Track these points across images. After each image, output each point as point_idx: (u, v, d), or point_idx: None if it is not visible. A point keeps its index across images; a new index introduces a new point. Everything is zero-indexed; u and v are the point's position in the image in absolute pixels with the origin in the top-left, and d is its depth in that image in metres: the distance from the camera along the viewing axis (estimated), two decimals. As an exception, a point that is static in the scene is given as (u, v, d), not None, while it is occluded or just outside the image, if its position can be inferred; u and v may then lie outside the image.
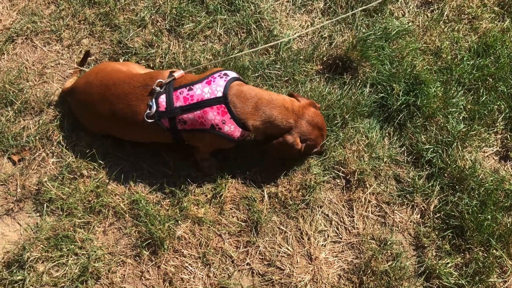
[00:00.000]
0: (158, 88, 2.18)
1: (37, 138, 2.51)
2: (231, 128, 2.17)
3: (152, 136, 2.31)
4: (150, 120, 2.17)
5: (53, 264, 2.25)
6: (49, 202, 2.38)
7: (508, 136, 2.69)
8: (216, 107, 2.13)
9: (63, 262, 2.26)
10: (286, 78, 2.74)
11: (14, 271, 2.21)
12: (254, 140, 2.55)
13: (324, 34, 2.90)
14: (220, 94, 2.14)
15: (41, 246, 2.27)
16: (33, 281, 2.21)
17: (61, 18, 2.82)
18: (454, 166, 2.52)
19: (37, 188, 2.41)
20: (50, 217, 2.36)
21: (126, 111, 2.20)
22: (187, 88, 2.18)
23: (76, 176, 2.43)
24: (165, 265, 2.30)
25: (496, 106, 2.69)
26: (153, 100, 2.17)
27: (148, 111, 2.17)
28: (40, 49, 2.75)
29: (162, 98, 2.17)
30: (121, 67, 2.37)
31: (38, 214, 2.37)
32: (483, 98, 2.67)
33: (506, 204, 2.45)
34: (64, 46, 2.77)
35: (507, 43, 2.81)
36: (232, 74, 2.24)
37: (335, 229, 2.46)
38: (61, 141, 2.50)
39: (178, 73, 2.24)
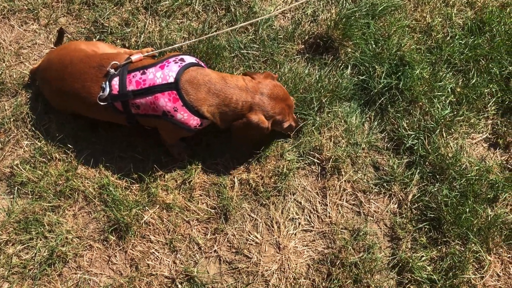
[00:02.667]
0: (112, 70, 2.12)
1: (12, 120, 2.50)
2: (184, 116, 2.08)
3: (109, 117, 2.27)
4: (102, 103, 2.12)
5: (23, 247, 2.28)
6: (21, 185, 2.39)
7: (499, 122, 2.51)
8: (167, 93, 2.05)
9: (32, 245, 2.29)
10: (265, 59, 2.62)
11: (-16, 253, 2.26)
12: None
13: (308, 10, 2.74)
14: (171, 79, 2.05)
15: (11, 228, 2.30)
16: (2, 263, 2.25)
17: (38, -4, 2.77)
18: (436, 154, 2.38)
19: (10, 170, 2.43)
20: (22, 199, 2.38)
21: (81, 91, 2.16)
22: (141, 71, 2.10)
23: (47, 159, 2.42)
24: (132, 250, 2.30)
25: (488, 90, 2.50)
26: (107, 82, 2.11)
27: (101, 93, 2.12)
28: (16, 29, 2.72)
29: (115, 81, 2.11)
30: (85, 47, 2.31)
31: (11, 196, 2.40)
32: (474, 81, 2.48)
33: (489, 196, 2.30)
34: (41, 26, 2.73)
35: (505, 20, 2.58)
36: (189, 59, 2.15)
37: (307, 217, 2.39)
38: (34, 124, 2.49)
39: (135, 56, 2.16)
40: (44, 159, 2.42)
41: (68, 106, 2.35)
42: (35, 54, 2.68)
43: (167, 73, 2.06)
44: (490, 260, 2.24)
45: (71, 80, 2.17)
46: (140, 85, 2.08)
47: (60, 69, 2.21)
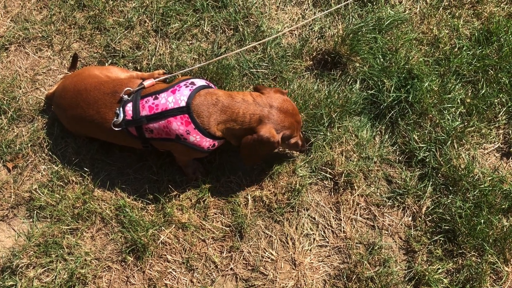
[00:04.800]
0: (125, 96, 2.17)
1: (29, 145, 2.56)
2: (197, 139, 2.12)
3: (124, 141, 2.32)
4: (117, 129, 2.17)
5: (43, 269, 2.32)
6: (40, 209, 2.44)
7: (511, 131, 2.51)
8: (179, 117, 2.09)
9: (52, 268, 2.33)
10: (274, 77, 2.66)
11: (6, 277, 2.30)
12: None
13: (315, 27, 2.77)
14: (183, 103, 2.09)
15: (32, 252, 2.35)
16: (24, 286, 2.29)
17: (51, 23, 2.84)
18: (449, 165, 2.38)
19: (29, 195, 2.48)
20: (41, 223, 2.43)
21: (96, 118, 2.22)
22: (153, 96, 2.15)
23: (64, 182, 2.48)
24: (150, 270, 2.33)
25: (498, 100, 2.51)
26: (120, 108, 2.16)
27: (115, 119, 2.17)
28: (32, 56, 2.80)
29: (129, 107, 2.16)
30: (98, 73, 2.38)
31: (30, 220, 2.45)
32: (483, 91, 2.49)
33: (503, 206, 2.29)
34: (55, 52, 2.80)
35: (513, 29, 2.59)
36: (199, 82, 2.19)
37: (322, 232, 2.40)
38: (51, 148, 2.55)
39: (148, 82, 2.21)
40: (61, 183, 2.48)
41: (84, 131, 2.41)
42: (50, 80, 2.75)
43: (179, 97, 2.11)
44: (507, 271, 2.23)
45: (86, 107, 2.23)
46: (153, 110, 2.12)
47: (75, 96, 2.27)
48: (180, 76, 2.49)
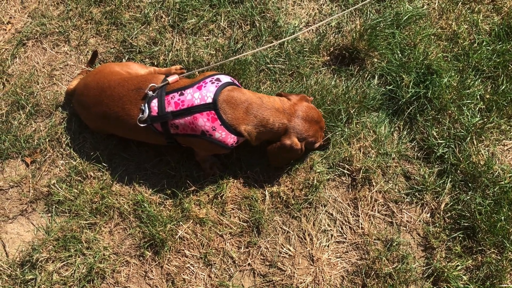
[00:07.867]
0: (150, 92, 2.18)
1: (47, 140, 2.58)
2: (222, 135, 2.13)
3: (148, 138, 2.32)
4: (142, 125, 2.17)
5: (62, 264, 2.34)
6: (58, 204, 2.45)
7: (531, 128, 2.49)
8: (206, 113, 2.10)
9: (71, 262, 2.34)
10: (290, 72, 2.65)
11: (26, 270, 2.32)
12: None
13: (332, 22, 2.76)
14: (210, 100, 2.10)
15: (51, 246, 2.36)
16: (44, 280, 2.31)
17: (68, 18, 2.85)
18: (468, 162, 2.36)
19: (47, 189, 2.49)
20: (60, 218, 2.44)
21: (121, 114, 2.22)
22: (179, 93, 2.15)
23: (83, 177, 2.49)
24: (168, 265, 2.34)
25: (518, 96, 2.48)
26: (146, 104, 2.17)
27: (140, 115, 2.17)
28: (49, 51, 2.81)
29: (154, 103, 2.17)
30: (119, 69, 2.38)
31: (49, 215, 2.46)
32: (503, 87, 2.46)
33: (524, 203, 2.28)
34: (72, 47, 2.81)
35: (533, 24, 2.56)
36: (224, 79, 2.19)
37: (339, 228, 2.39)
38: (69, 143, 2.56)
39: (172, 78, 2.22)
40: (79, 178, 2.49)
41: (107, 128, 2.41)
42: (67, 75, 2.76)
43: (205, 93, 2.11)
44: (528, 268, 2.21)
45: (111, 104, 2.24)
46: (179, 106, 2.13)
47: (98, 93, 2.28)
48: (198, 73, 2.49)
